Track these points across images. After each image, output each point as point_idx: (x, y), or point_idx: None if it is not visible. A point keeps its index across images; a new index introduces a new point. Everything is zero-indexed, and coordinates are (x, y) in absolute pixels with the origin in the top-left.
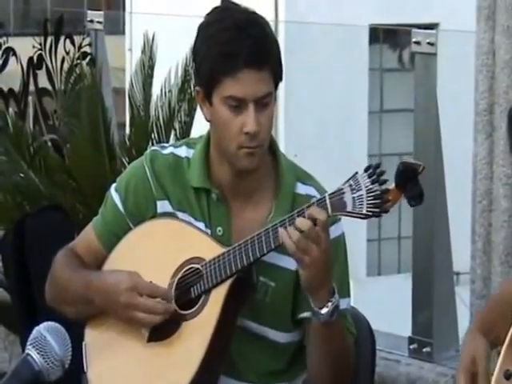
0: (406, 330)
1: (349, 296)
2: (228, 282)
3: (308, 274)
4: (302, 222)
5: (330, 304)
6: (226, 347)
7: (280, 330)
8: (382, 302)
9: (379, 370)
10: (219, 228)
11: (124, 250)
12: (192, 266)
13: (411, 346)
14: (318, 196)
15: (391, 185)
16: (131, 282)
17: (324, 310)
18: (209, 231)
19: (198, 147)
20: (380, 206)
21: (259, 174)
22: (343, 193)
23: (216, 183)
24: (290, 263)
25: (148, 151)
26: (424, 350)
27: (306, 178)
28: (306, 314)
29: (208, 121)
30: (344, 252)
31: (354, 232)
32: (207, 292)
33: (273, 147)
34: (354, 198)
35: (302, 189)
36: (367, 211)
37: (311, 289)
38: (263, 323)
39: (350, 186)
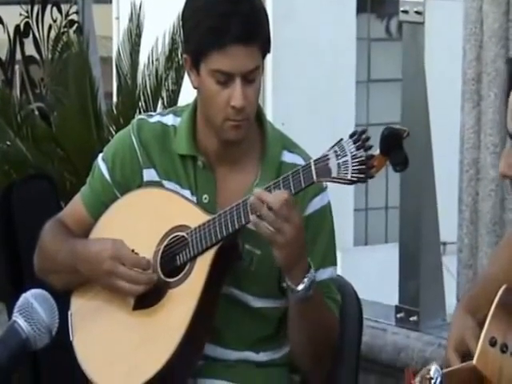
0: (393, 299)
1: (335, 265)
2: (213, 250)
3: (283, 253)
4: (274, 199)
5: (305, 280)
6: (211, 315)
7: (264, 297)
8: (369, 272)
9: (366, 339)
10: (205, 195)
11: (110, 219)
12: (177, 233)
13: (398, 315)
14: (303, 163)
15: (376, 151)
16: (114, 250)
17: (300, 287)
18: (195, 199)
19: (184, 115)
20: (365, 171)
21: (245, 142)
22: (328, 159)
23: (202, 151)
24: None
25: (135, 120)
26: (411, 318)
27: (293, 147)
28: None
29: (195, 88)
30: (330, 221)
31: (341, 201)
32: (192, 260)
33: (260, 116)
34: (339, 163)
35: (288, 157)
36: (352, 177)
37: (286, 268)
38: (247, 291)
39: (335, 152)
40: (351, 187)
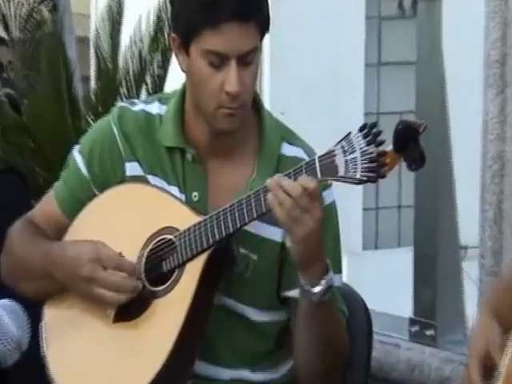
0: (407, 311)
1: (340, 272)
2: (204, 256)
3: (301, 247)
4: (294, 187)
5: (323, 282)
6: (201, 329)
7: (261, 309)
8: (380, 279)
9: (376, 356)
10: (195, 193)
11: (87, 219)
12: (164, 236)
13: (412, 329)
14: (307, 159)
15: (389, 146)
16: (95, 252)
17: (317, 289)
18: (183, 197)
19: (171, 103)
20: (376, 170)
21: (241, 133)
22: (334, 155)
23: (191, 142)
24: (275, 234)
25: (116, 108)
26: (426, 332)
27: (293, 139)
28: (292, 293)
29: (184, 71)
30: (335, 222)
31: (349, 200)
32: (181, 266)
33: (257, 104)
34: (346, 160)
35: (288, 150)
36: (361, 176)
37: (303, 264)
38: (243, 301)
39: (343, 147)
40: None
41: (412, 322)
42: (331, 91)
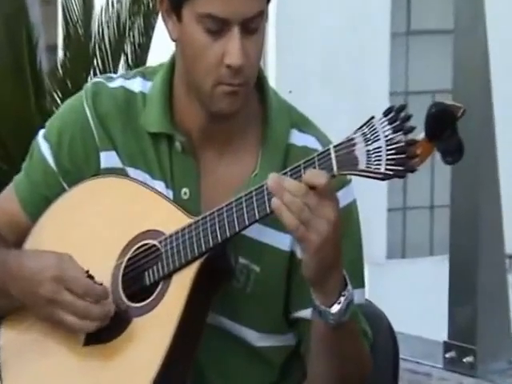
0: (441, 333)
1: (362, 286)
2: (195, 265)
3: (315, 259)
4: (296, 185)
5: (342, 299)
6: (190, 356)
7: (264, 332)
8: (408, 295)
9: None
10: (185, 189)
11: (53, 221)
12: (146, 242)
13: (447, 355)
14: (320, 148)
15: (420, 134)
16: (59, 269)
17: (335, 308)
18: (170, 194)
19: (157, 79)
20: (404, 162)
21: (242, 117)
22: (354, 144)
23: (181, 128)
24: (281, 240)
25: (89, 84)
26: (464, 360)
27: (305, 125)
28: (304, 314)
29: (173, 40)
30: (356, 226)
31: (370, 199)
32: (166, 278)
33: (260, 81)
34: (368, 151)
35: (298, 138)
36: (387, 169)
37: (318, 280)
38: (241, 321)
39: (364, 134)
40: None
41: (447, 346)
42: (349, 66)
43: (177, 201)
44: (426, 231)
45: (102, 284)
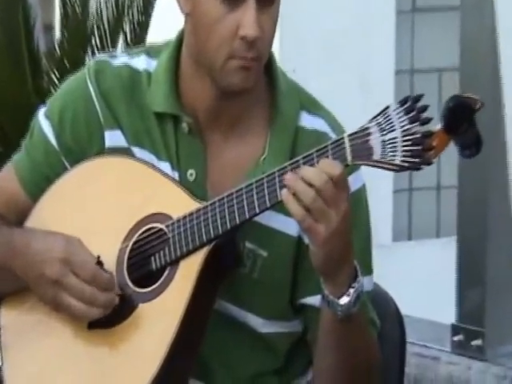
0: (448, 316)
1: (371, 273)
2: (203, 252)
3: (324, 250)
4: (315, 174)
5: (351, 291)
6: (197, 341)
7: (270, 318)
8: (415, 277)
9: (411, 371)
10: (191, 171)
11: (55, 201)
12: (153, 225)
13: (455, 338)
14: (329, 132)
15: (437, 126)
16: (67, 253)
17: (344, 300)
18: (176, 175)
19: (163, 57)
20: (420, 154)
21: (249, 97)
22: (369, 134)
23: (189, 108)
24: (289, 226)
25: (92, 62)
26: (473, 343)
27: (314, 107)
28: (311, 300)
29: (187, 14)
30: (365, 212)
31: (375, 180)
32: (174, 264)
33: (269, 62)
34: (383, 141)
35: (307, 121)
36: (402, 161)
37: (328, 271)
38: (247, 308)
39: (379, 124)
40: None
41: (455, 329)
42: (354, 44)
43: (183, 182)
44: (432, 213)
45: (109, 272)
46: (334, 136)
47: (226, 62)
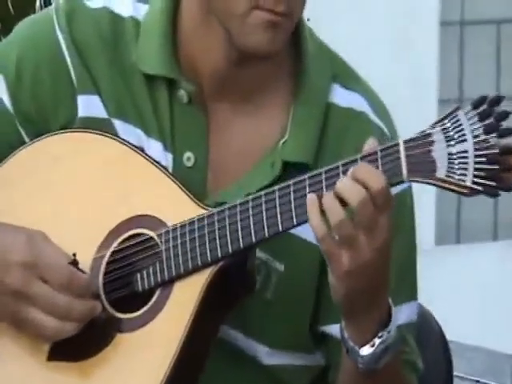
0: (507, 343)
1: (414, 298)
2: (206, 274)
3: (346, 285)
4: (352, 189)
5: (377, 341)
6: (192, 381)
7: (288, 350)
8: (465, 292)
9: None
10: (188, 154)
11: (10, 185)
12: (140, 231)
13: None
14: (370, 112)
15: None
16: (30, 253)
17: (366, 351)
18: (169, 158)
19: (156, 1)
20: (498, 176)
21: (272, 63)
22: (432, 142)
23: (190, 71)
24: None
25: (61, 1)
26: None
27: (350, 78)
28: (336, 330)
29: None
30: (410, 221)
31: None
32: (166, 285)
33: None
34: (450, 153)
35: (341, 96)
36: (474, 183)
37: (348, 312)
38: (257, 337)
39: (446, 131)
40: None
41: None
42: None
43: (177, 168)
44: (488, 208)
45: (86, 273)
46: (375, 118)
47: (248, 12)
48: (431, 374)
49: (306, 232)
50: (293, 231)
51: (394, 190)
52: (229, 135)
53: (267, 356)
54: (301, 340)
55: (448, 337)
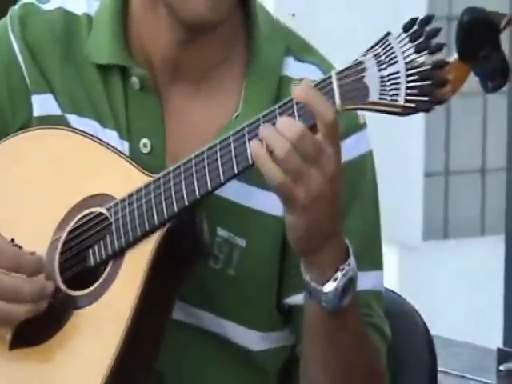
0: (493, 338)
1: (380, 268)
2: (154, 238)
3: (304, 219)
4: (290, 124)
5: (339, 275)
6: (150, 355)
7: (257, 328)
8: (451, 288)
9: None
10: (144, 141)
11: None
12: (92, 210)
13: (502, 367)
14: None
15: (452, 56)
16: None
17: (329, 286)
18: (126, 146)
19: None
20: (430, 91)
21: (221, 40)
22: (363, 69)
23: (140, 57)
24: (274, 204)
25: (17, 7)
26: None
27: (304, 51)
28: (299, 300)
29: None
30: (371, 185)
31: (401, 159)
32: (117, 256)
33: None
34: (382, 77)
35: (294, 68)
36: (407, 101)
37: (308, 248)
38: (225, 314)
39: (377, 56)
40: (419, 131)
41: (502, 355)
42: None
43: (134, 156)
44: (475, 203)
45: (33, 253)
46: None
47: None
48: (414, 368)
49: (266, 205)
50: (252, 206)
51: (354, 154)
52: (184, 119)
53: (242, 336)
54: (268, 317)
55: (434, 332)
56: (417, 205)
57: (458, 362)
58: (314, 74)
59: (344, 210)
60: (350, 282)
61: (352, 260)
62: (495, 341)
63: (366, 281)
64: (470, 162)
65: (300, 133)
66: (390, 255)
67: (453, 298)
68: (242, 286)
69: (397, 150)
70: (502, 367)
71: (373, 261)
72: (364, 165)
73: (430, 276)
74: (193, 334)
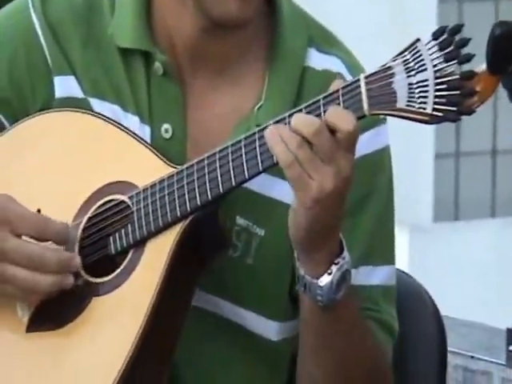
0: (504, 319)
1: (392, 263)
2: (176, 230)
3: (311, 214)
4: (311, 122)
5: (334, 269)
6: (168, 348)
7: (275, 318)
8: (461, 269)
9: None
10: (166, 126)
11: None
12: (113, 197)
13: (511, 347)
14: (346, 73)
15: (481, 65)
16: (0, 209)
17: (325, 279)
18: (147, 131)
19: None
20: (458, 101)
21: (246, 30)
22: (392, 74)
23: (164, 43)
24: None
25: None
26: None
27: (327, 42)
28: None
29: None
30: (387, 182)
31: (411, 141)
32: (138, 246)
33: None
34: (410, 84)
35: (317, 60)
36: (435, 109)
37: (307, 243)
38: (241, 303)
39: (406, 62)
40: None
41: (511, 335)
42: None
43: (155, 140)
44: (485, 185)
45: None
46: (351, 78)
47: None
48: (424, 348)
49: (285, 195)
50: (272, 195)
51: (374, 145)
52: (206, 106)
53: (259, 325)
54: (284, 306)
55: (443, 312)
56: (427, 186)
57: (467, 342)
58: (336, 65)
59: (359, 203)
60: (345, 276)
61: (346, 253)
62: (505, 321)
63: (375, 276)
64: (481, 143)
65: (319, 129)
66: (400, 236)
67: (463, 278)
68: (259, 274)
69: (407, 131)
70: (511, 347)
71: (384, 256)
72: (382, 159)
73: (440, 257)
74: (205, 322)
